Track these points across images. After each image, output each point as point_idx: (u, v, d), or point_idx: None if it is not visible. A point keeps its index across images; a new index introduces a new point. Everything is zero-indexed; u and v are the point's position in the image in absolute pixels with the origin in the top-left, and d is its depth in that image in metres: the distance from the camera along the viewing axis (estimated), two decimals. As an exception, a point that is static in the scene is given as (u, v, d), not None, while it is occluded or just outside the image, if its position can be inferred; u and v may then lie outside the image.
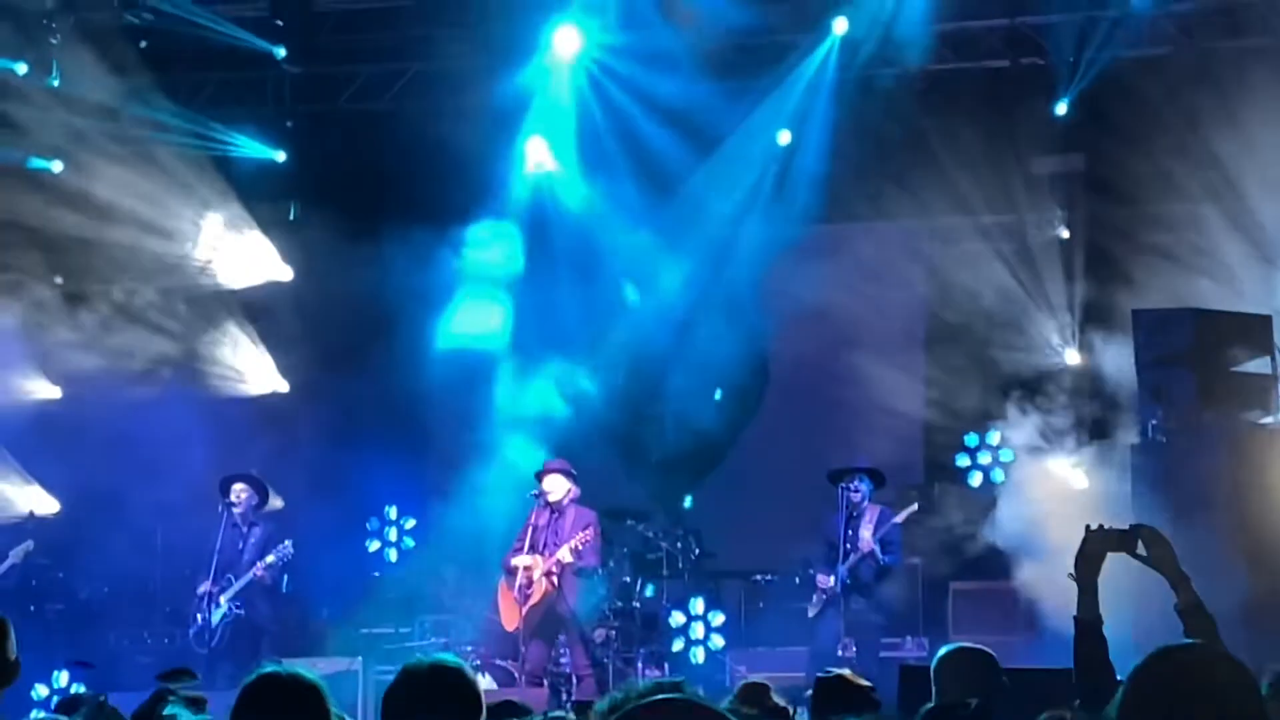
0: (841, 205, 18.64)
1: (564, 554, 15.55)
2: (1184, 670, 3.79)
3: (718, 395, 20.02)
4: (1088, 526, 6.56)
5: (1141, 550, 6.43)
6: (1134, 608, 10.06)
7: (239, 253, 20.30)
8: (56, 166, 19.54)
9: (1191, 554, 6.49)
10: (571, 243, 19.87)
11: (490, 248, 20.20)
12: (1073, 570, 6.41)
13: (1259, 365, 14.31)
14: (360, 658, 17.70)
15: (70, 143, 19.29)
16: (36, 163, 19.44)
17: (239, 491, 16.70)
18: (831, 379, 18.88)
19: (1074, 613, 6.38)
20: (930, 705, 6.76)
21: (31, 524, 18.48)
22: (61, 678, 17.30)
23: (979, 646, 7.69)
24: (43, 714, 10.67)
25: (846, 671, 8.25)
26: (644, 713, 2.79)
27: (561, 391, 19.67)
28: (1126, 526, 6.52)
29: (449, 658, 6.07)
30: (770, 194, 19.28)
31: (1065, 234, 18.72)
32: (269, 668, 5.69)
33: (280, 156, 20.57)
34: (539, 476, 16.12)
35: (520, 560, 15.74)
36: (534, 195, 20.17)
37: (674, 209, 19.50)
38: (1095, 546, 6.42)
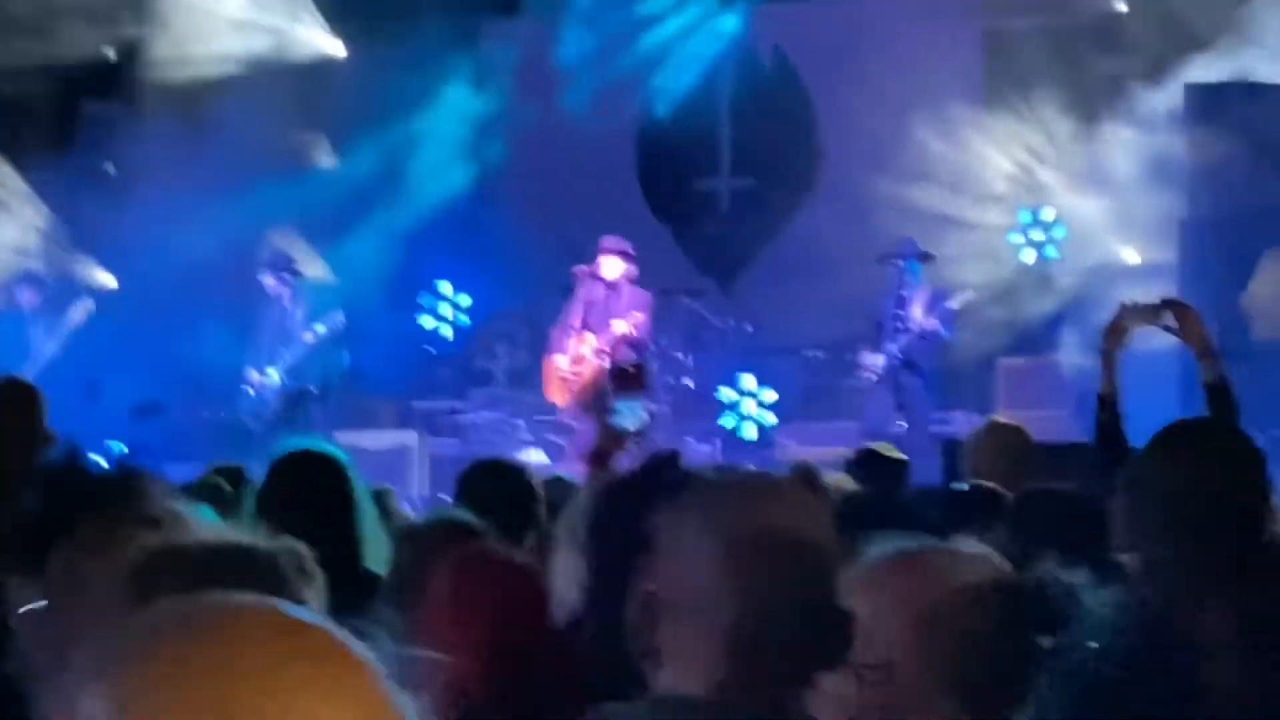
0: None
1: (618, 326, 15.51)
2: (1191, 440, 3.82)
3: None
4: (1121, 302, 6.61)
5: (1171, 323, 6.48)
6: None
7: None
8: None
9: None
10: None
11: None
12: (1100, 345, 6.48)
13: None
14: (415, 432, 17.93)
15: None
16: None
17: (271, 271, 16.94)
18: (882, 154, 18.79)
19: (1099, 388, 6.44)
20: (965, 486, 6.82)
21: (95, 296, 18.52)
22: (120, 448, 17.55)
23: (1010, 422, 7.76)
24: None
25: (881, 445, 8.35)
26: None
27: (612, 167, 19.74)
28: (1158, 300, 6.58)
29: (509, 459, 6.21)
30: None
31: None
32: (299, 443, 5.79)
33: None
34: (597, 253, 16.08)
35: (570, 346, 15.76)
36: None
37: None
38: (1124, 320, 6.47)
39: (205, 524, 2.87)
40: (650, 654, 2.62)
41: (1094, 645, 3.35)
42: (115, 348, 18.01)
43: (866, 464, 7.56)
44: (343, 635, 1.39)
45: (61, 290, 17.78)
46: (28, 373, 14.97)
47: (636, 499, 4.38)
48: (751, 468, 11.75)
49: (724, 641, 2.56)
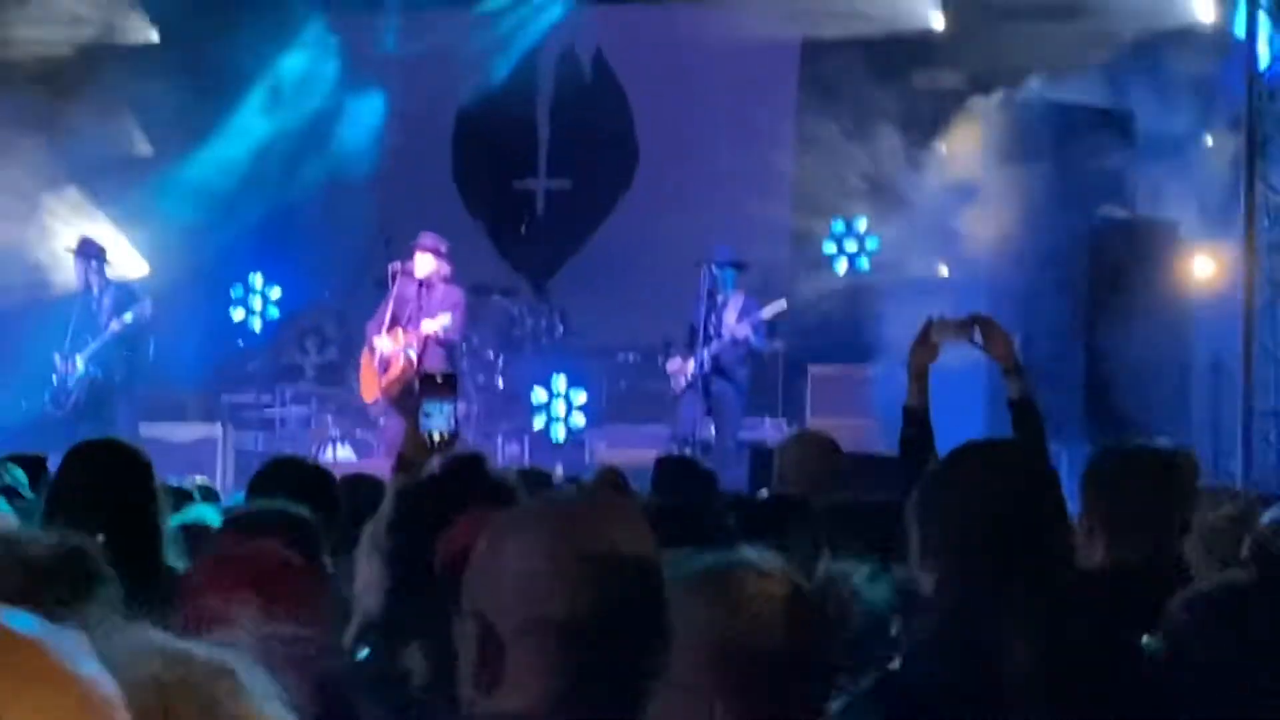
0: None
1: (428, 326, 15.55)
2: (980, 459, 3.84)
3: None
4: (929, 317, 6.65)
5: (978, 339, 6.55)
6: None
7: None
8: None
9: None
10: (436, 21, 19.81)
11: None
12: (908, 358, 6.53)
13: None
14: (221, 425, 17.75)
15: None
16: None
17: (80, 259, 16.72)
18: (700, 161, 18.90)
19: (906, 400, 6.49)
20: (771, 494, 6.82)
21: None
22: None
23: (819, 431, 7.79)
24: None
25: (687, 453, 8.36)
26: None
27: (429, 161, 19.71)
28: (966, 316, 6.64)
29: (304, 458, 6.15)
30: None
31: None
32: (96, 435, 5.68)
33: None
34: (410, 249, 16.05)
35: (381, 342, 15.74)
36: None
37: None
38: (932, 335, 6.53)
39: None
40: (482, 675, 2.58)
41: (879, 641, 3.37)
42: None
43: (671, 472, 7.56)
44: (63, 651, 1.27)
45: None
46: None
47: (438, 503, 4.34)
48: (559, 471, 11.69)
49: (555, 663, 2.54)
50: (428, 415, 5.66)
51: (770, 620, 2.76)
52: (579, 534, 2.62)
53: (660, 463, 7.76)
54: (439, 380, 5.75)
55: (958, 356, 6.79)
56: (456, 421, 5.76)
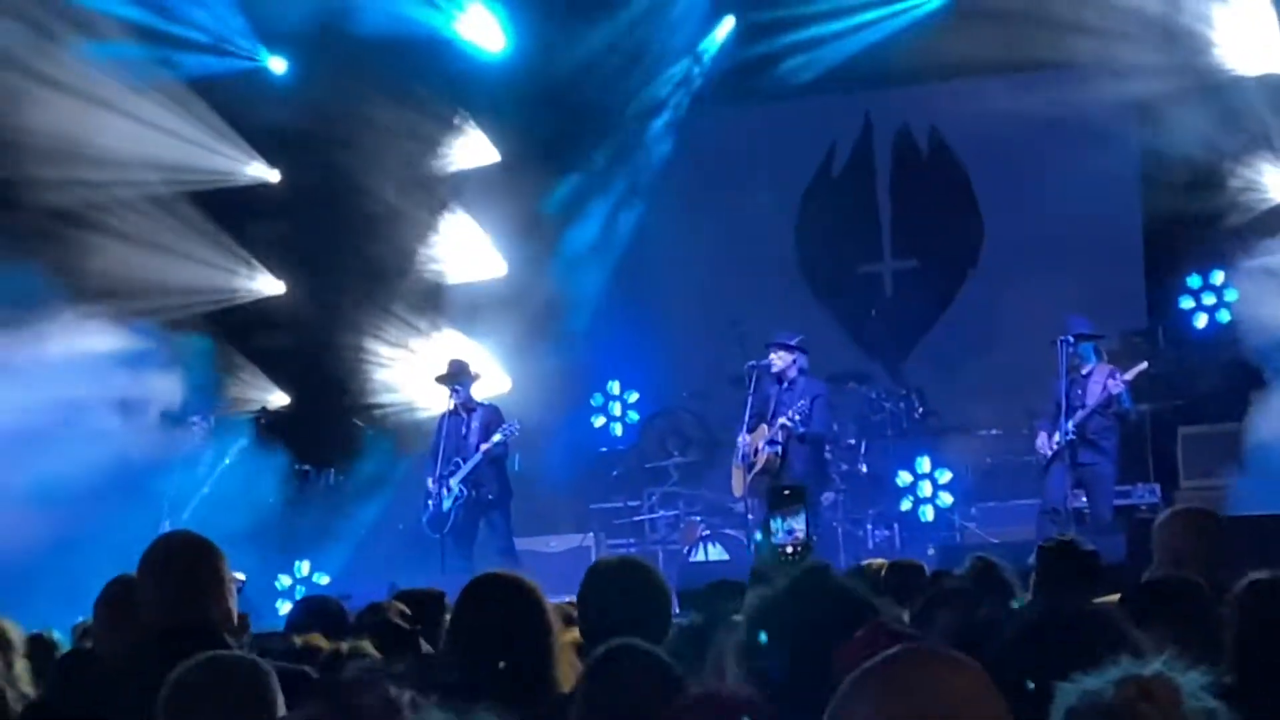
0: (1026, 52, 18.15)
1: (784, 421, 15.71)
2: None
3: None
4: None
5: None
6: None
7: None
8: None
9: None
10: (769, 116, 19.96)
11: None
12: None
13: None
14: (592, 533, 17.98)
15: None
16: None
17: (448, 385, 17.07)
18: (1045, 229, 18.66)
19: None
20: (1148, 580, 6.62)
21: (265, 418, 18.84)
22: (303, 567, 17.70)
23: (1196, 508, 7.57)
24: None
25: (1070, 536, 8.20)
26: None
27: (774, 255, 19.84)
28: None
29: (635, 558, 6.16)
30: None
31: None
32: (490, 569, 5.81)
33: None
34: (765, 347, 16.26)
35: (749, 440, 15.96)
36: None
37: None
38: None
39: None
40: None
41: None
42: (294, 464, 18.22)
43: (1054, 562, 7.43)
44: None
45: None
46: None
47: (788, 622, 4.28)
48: (930, 551, 11.46)
49: None
50: (771, 532, 5.69)
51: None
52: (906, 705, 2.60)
53: (1041, 553, 7.62)
54: (786, 493, 5.77)
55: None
56: (809, 530, 5.77)
